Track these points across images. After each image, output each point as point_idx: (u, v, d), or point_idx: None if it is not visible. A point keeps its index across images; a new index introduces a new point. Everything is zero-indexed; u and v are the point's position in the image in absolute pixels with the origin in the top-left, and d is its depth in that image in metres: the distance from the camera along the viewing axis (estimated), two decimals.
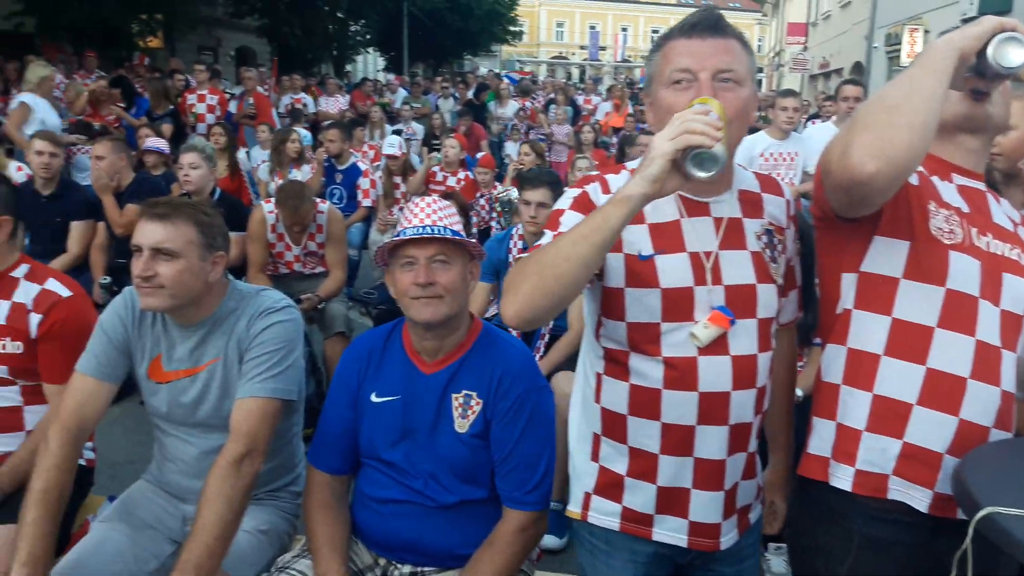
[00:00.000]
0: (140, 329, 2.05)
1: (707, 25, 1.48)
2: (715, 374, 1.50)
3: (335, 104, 12.26)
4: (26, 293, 2.23)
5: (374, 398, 1.95)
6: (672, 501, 1.58)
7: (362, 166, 6.47)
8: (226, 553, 1.84)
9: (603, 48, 53.70)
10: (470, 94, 13.86)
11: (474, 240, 1.98)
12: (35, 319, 2.20)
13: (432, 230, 1.83)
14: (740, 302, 1.52)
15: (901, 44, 17.74)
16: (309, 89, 12.62)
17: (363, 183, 6.33)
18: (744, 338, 1.52)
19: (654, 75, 1.53)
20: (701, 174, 1.30)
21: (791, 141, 5.42)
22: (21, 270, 2.27)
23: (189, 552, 1.77)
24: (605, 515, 1.63)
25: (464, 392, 1.90)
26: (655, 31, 58.62)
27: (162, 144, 6.03)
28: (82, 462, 2.11)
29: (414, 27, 24.88)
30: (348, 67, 24.59)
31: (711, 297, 1.50)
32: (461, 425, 1.90)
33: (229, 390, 2.00)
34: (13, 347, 2.20)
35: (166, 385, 2.04)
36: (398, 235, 1.86)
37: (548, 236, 1.51)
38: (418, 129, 10.50)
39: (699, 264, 1.52)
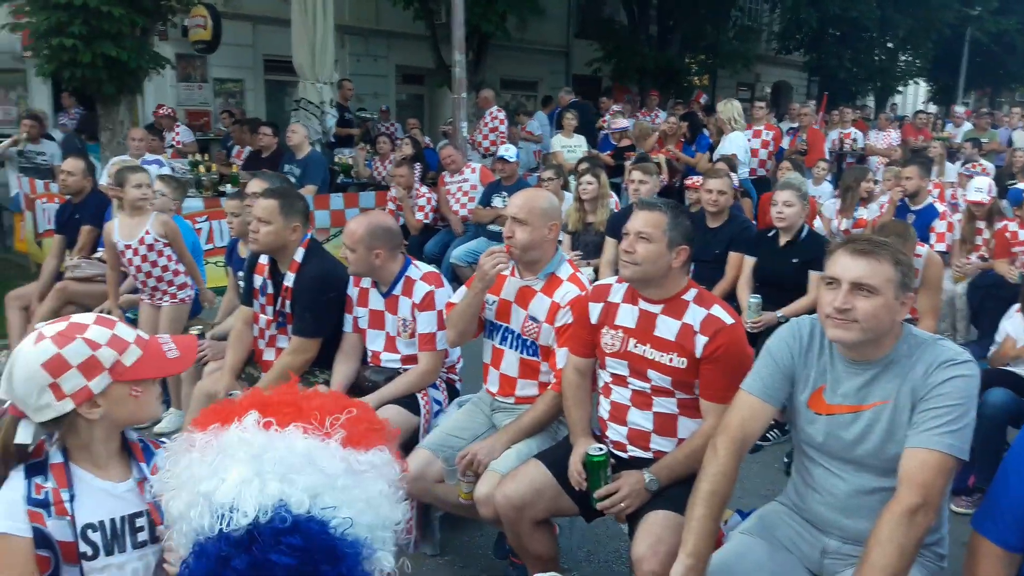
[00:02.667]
0: (807, 358, 2.15)
1: None
2: None
3: (884, 139, 11.62)
4: (694, 316, 2.51)
5: None
6: None
7: (939, 207, 5.98)
8: None
9: None
10: None
11: None
12: (701, 340, 2.47)
13: None
14: None
15: None
16: (856, 123, 12.19)
17: (938, 226, 5.84)
18: None
19: None
20: None
21: None
22: (690, 294, 2.57)
23: None
24: None
25: None
26: None
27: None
28: None
29: (972, 53, 22.27)
30: (893, 99, 23.13)
31: None
32: None
33: (894, 435, 1.98)
34: (679, 362, 2.50)
35: (826, 417, 2.11)
36: None
37: None
38: (990, 169, 9.32)
39: None
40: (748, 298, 4.36)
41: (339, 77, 10.70)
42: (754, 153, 9.11)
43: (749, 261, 4.67)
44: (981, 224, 5.83)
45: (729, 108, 8.83)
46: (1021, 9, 21.92)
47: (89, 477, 1.58)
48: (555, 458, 2.68)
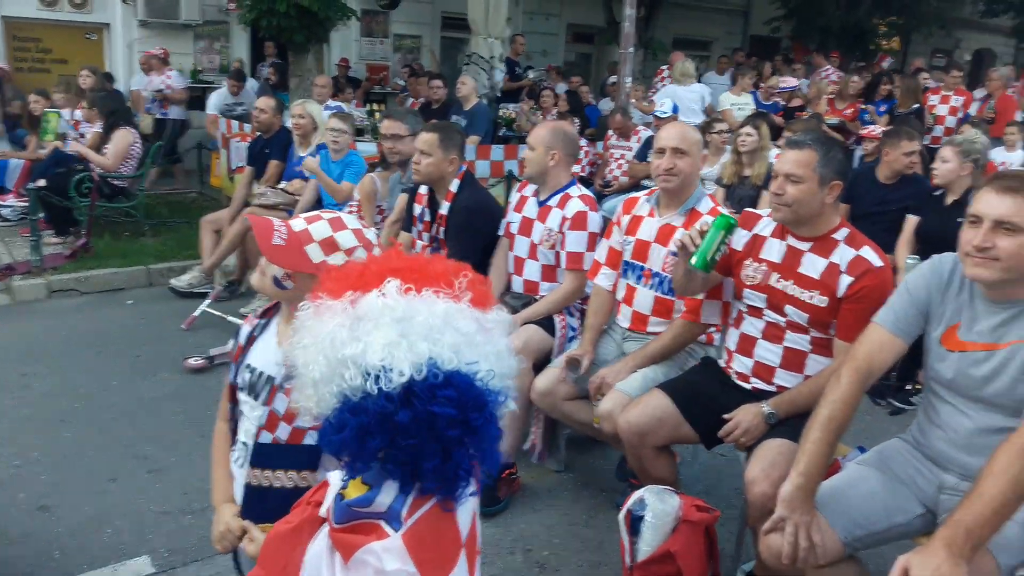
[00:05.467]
0: (945, 295, 2.12)
1: None
2: None
3: None
4: (842, 256, 2.50)
5: None
6: None
7: None
8: (997, 530, 1.80)
9: None
10: None
11: None
12: (846, 280, 2.47)
13: None
14: None
15: None
16: None
17: None
18: None
19: None
20: None
21: None
22: (841, 233, 2.55)
23: (962, 514, 1.79)
24: None
25: None
26: None
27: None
28: None
29: None
30: None
31: None
32: None
33: None
34: (820, 300, 2.50)
35: (958, 354, 2.08)
36: None
37: None
38: None
39: None
40: (906, 258, 4.20)
41: (511, 33, 10.94)
42: (940, 120, 8.55)
43: (912, 220, 4.47)
44: None
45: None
46: None
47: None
48: (678, 387, 2.76)
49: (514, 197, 3.62)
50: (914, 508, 2.18)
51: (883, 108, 8.53)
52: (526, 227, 3.51)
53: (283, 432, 1.73)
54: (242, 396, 1.82)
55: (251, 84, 10.34)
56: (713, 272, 2.65)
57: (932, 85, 9.72)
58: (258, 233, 1.69)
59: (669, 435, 2.73)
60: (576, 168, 7.65)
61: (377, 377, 1.13)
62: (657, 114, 7.41)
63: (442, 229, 3.72)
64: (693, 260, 2.52)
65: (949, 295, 2.11)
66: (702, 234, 2.53)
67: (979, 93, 9.93)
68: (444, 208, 3.68)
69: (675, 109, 7.62)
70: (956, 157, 4.33)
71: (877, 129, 6.70)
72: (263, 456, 1.74)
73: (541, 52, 14.84)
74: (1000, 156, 6.90)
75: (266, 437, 1.74)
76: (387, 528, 1.18)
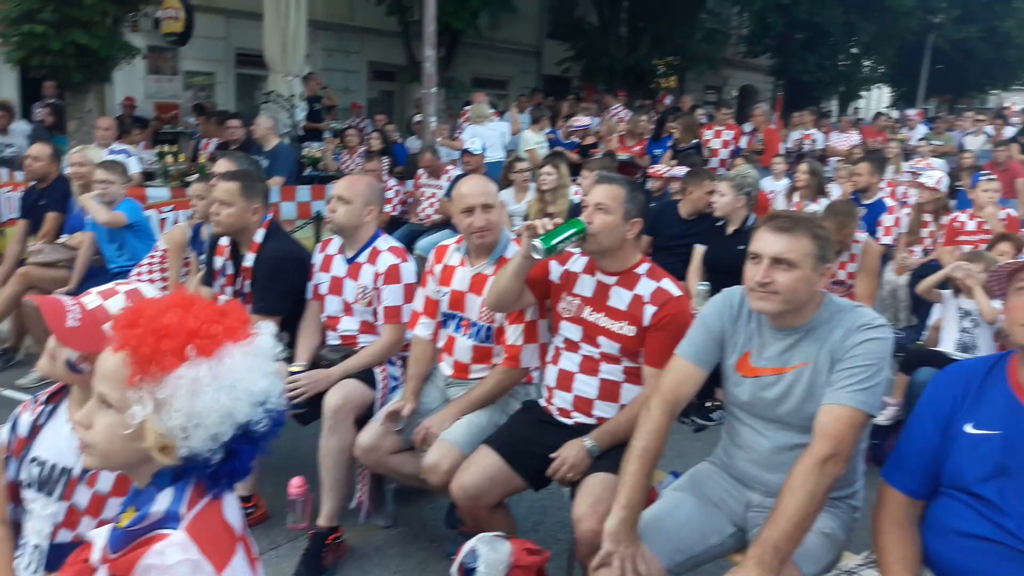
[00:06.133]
0: (736, 325, 2.30)
1: None
2: None
3: (845, 140, 11.92)
4: (645, 288, 2.66)
5: (970, 429, 1.90)
6: None
7: (888, 202, 6.20)
8: (800, 543, 1.96)
9: None
10: (1010, 131, 12.23)
11: None
12: (650, 310, 2.62)
13: None
14: None
15: None
16: (818, 124, 12.49)
17: (886, 219, 6.06)
18: None
19: None
20: None
21: None
22: (643, 268, 2.72)
23: (769, 531, 1.93)
24: None
25: None
26: None
27: (682, 172, 6.57)
28: None
29: (934, 60, 22.81)
30: (856, 104, 23.60)
31: None
32: None
33: (813, 394, 2.12)
34: (629, 330, 2.64)
35: (751, 379, 2.25)
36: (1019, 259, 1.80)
37: None
38: (939, 167, 9.63)
39: None
40: (697, 285, 4.53)
41: (310, 71, 10.74)
42: (714, 153, 9.38)
43: (699, 249, 4.84)
44: (927, 218, 6.06)
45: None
46: (982, 17, 22.50)
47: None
48: (503, 440, 2.79)
49: (317, 257, 3.51)
50: (726, 528, 2.32)
51: (668, 143, 9.23)
52: (336, 286, 3.42)
53: (86, 527, 1.56)
54: (29, 494, 1.62)
55: (21, 126, 9.37)
56: (526, 295, 2.78)
57: (705, 121, 10.68)
58: (48, 315, 1.53)
59: (502, 492, 2.75)
60: (387, 208, 7.72)
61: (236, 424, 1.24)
62: (468, 148, 7.52)
63: (247, 283, 3.54)
64: (538, 241, 2.55)
65: (740, 325, 2.29)
66: (556, 225, 2.62)
67: (748, 127, 11.05)
68: (249, 260, 3.51)
69: (483, 148, 7.80)
70: (731, 191, 4.73)
71: (663, 168, 7.27)
72: (62, 558, 1.55)
73: (343, 90, 14.71)
74: (769, 185, 7.68)
75: (65, 536, 1.56)
76: (166, 531, 1.20)
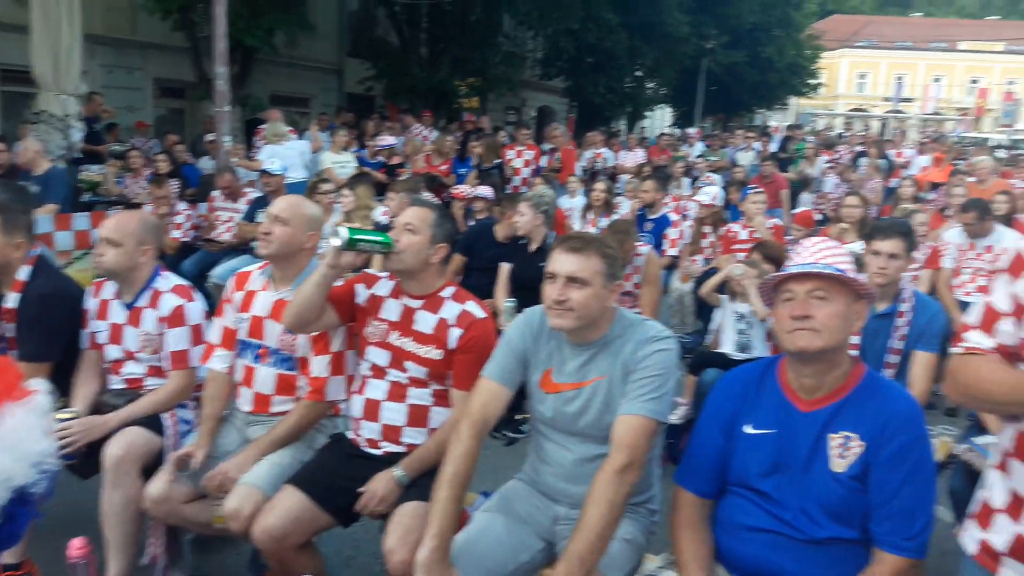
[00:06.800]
0: (538, 343, 2.35)
1: None
2: None
3: (632, 158, 12.73)
4: (450, 311, 2.66)
5: (749, 429, 2.06)
6: None
7: (672, 217, 6.67)
8: (604, 551, 2.03)
9: (907, 100, 49.89)
10: (773, 147, 13.63)
11: (863, 278, 2.01)
12: (455, 333, 2.62)
13: (811, 267, 1.94)
14: None
15: None
16: (608, 144, 13.26)
17: (671, 232, 6.52)
18: None
19: None
20: None
21: None
22: (448, 292, 2.72)
23: (575, 544, 1.99)
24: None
25: (843, 434, 1.94)
26: (974, 81, 53.21)
27: (489, 192, 6.72)
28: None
29: (709, 82, 25.06)
30: (642, 123, 25.33)
31: None
32: (838, 465, 1.93)
33: (611, 406, 2.21)
34: (435, 354, 2.63)
35: (553, 395, 2.31)
36: (782, 271, 1.98)
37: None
38: (717, 181, 10.54)
39: None
40: (504, 302, 4.62)
41: (87, 89, 9.86)
42: (516, 172, 9.68)
43: (505, 267, 4.95)
44: (707, 229, 6.59)
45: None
46: (747, 44, 25.03)
47: None
48: (309, 477, 2.68)
49: (92, 303, 3.19)
50: (535, 544, 2.36)
51: (472, 164, 9.40)
52: (116, 335, 3.12)
53: None
54: None
55: None
56: (329, 314, 2.69)
57: (507, 141, 11.01)
58: None
59: (307, 531, 2.63)
60: (177, 233, 7.23)
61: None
62: (266, 169, 7.18)
63: (8, 326, 3.16)
64: (343, 230, 2.49)
65: (541, 343, 2.35)
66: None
67: (547, 146, 11.51)
68: (11, 300, 3.13)
69: (284, 168, 7.50)
70: (530, 210, 4.88)
71: (466, 189, 7.38)
72: None
73: (126, 108, 13.66)
74: (566, 203, 8.03)
75: None
76: None
